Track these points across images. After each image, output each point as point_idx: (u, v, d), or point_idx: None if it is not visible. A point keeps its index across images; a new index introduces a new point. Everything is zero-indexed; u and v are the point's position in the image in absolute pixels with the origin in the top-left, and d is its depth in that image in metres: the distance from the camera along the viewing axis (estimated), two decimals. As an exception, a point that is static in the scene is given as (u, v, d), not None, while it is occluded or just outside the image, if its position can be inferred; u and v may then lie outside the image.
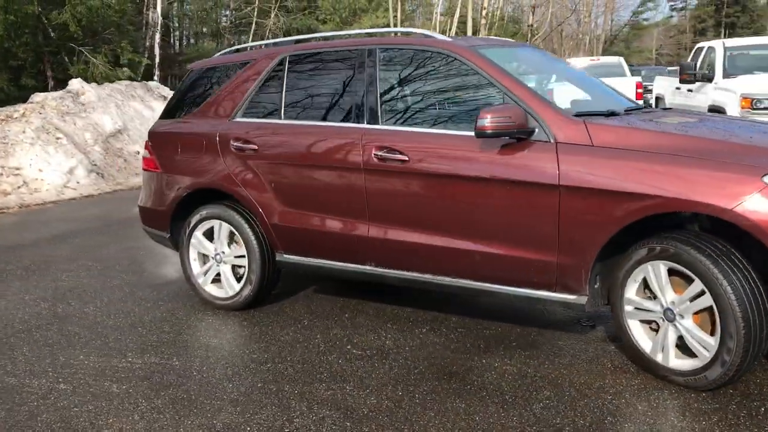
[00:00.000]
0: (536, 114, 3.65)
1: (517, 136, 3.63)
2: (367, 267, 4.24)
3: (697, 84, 9.96)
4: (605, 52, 49.40)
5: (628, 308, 3.56)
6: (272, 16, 22.52)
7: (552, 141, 3.58)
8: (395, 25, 27.29)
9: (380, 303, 4.84)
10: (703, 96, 9.72)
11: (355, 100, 4.25)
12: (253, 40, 23.57)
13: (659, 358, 3.47)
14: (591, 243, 3.49)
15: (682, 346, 3.43)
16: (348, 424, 3.18)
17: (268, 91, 4.64)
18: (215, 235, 4.78)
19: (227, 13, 26.22)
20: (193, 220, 4.84)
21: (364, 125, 4.16)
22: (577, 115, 3.68)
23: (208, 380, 3.69)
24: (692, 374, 3.34)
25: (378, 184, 4.07)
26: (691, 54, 11.14)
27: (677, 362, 3.42)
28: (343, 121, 4.29)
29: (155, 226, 5.14)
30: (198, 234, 4.85)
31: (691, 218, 3.52)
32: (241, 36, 23.82)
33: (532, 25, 31.05)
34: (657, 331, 3.52)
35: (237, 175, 4.59)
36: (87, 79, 12.89)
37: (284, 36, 23.01)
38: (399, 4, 27.64)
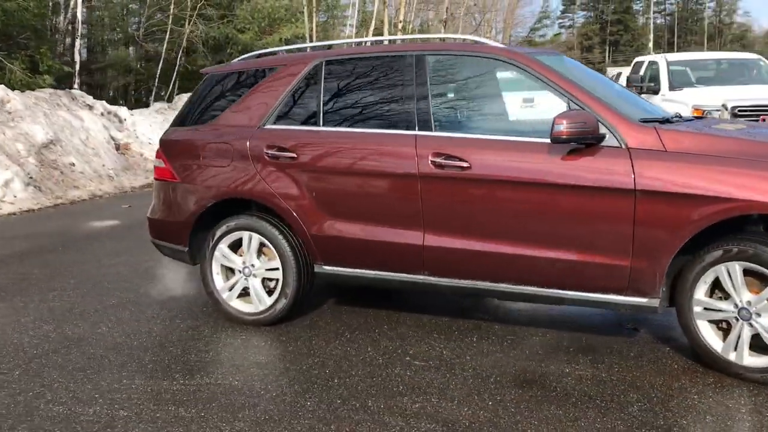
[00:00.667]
0: (605, 120, 3.70)
1: (588, 142, 3.66)
2: (420, 276, 4.16)
3: (644, 96, 10.43)
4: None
5: (697, 309, 3.65)
6: (190, 23, 21.87)
7: (624, 147, 3.64)
8: (311, 36, 27.16)
9: (412, 313, 4.76)
10: None
11: (403, 106, 4.17)
12: (168, 48, 22.85)
13: (732, 356, 3.58)
14: (667, 246, 3.56)
15: (753, 345, 3.55)
16: (458, 437, 3.10)
17: (302, 98, 4.49)
18: (244, 247, 4.57)
19: (136, 19, 25.29)
20: (218, 232, 4.60)
21: (417, 132, 4.09)
22: (642, 122, 3.75)
23: (281, 399, 3.51)
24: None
25: (435, 191, 4.00)
26: (631, 67, 11.67)
27: (751, 360, 3.54)
28: (390, 127, 4.20)
29: (170, 240, 4.85)
30: (222, 246, 4.62)
31: (757, 220, 3.65)
32: (156, 44, 22.98)
33: (444, 40, 31.60)
34: (725, 330, 3.63)
35: (272, 184, 4.40)
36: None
37: (203, 44, 22.42)
38: (314, 15, 27.59)
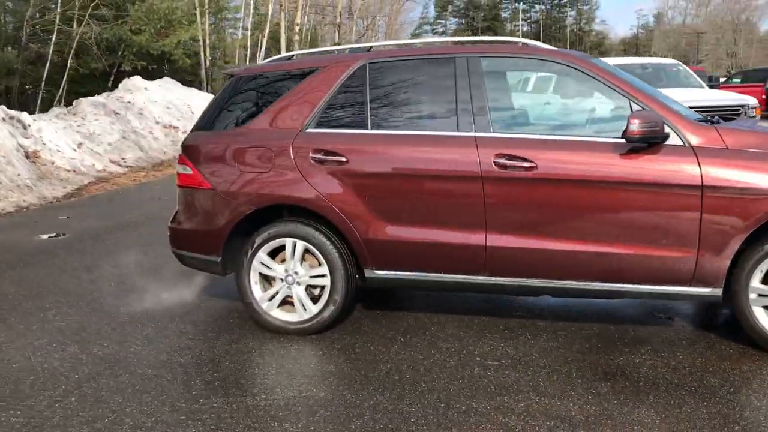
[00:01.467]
0: (668, 120, 3.88)
1: (655, 141, 3.83)
2: (480, 277, 4.19)
3: None
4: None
5: (752, 296, 3.90)
6: (82, 24, 20.70)
7: (687, 145, 3.83)
8: (203, 38, 26.47)
9: (446, 314, 4.77)
10: None
11: (458, 108, 4.18)
12: (56, 50, 21.55)
13: (788, 338, 3.85)
14: (732, 239, 3.78)
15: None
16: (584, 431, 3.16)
17: (346, 100, 4.40)
18: (287, 255, 4.42)
19: (13, 19, 23.66)
20: (258, 239, 4.43)
21: (476, 133, 4.12)
22: (699, 121, 3.97)
23: (383, 407, 3.43)
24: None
25: (499, 192, 4.05)
26: None
27: (808, 341, 3.82)
28: (444, 129, 4.20)
29: (200, 250, 4.61)
30: (262, 255, 4.45)
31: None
32: (40, 45, 21.59)
33: (339, 43, 31.75)
34: (776, 314, 3.90)
35: (320, 189, 4.29)
36: None
37: (96, 46, 21.26)
38: (206, 17, 26.89)
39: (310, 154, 4.33)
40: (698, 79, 11.87)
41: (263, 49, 29.10)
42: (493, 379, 3.73)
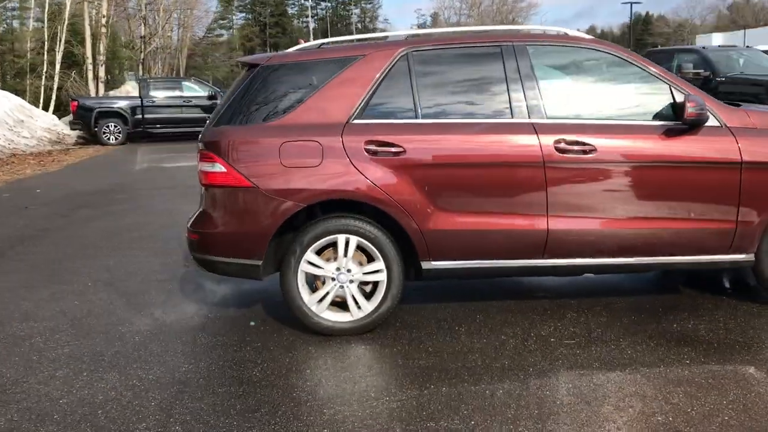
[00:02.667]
0: (705, 103, 4.24)
1: (701, 123, 4.17)
2: (539, 260, 4.29)
3: None
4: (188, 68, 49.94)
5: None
6: None
7: (724, 126, 4.22)
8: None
9: (480, 302, 4.82)
10: None
11: (510, 95, 4.24)
12: None
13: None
14: (764, 209, 4.22)
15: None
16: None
17: (392, 89, 4.26)
18: (340, 252, 4.20)
19: None
20: (306, 238, 4.17)
21: (532, 120, 4.20)
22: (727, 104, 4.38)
23: (509, 393, 3.41)
24: None
25: (561, 176, 4.17)
26: None
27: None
28: (497, 117, 4.24)
29: (238, 254, 4.24)
30: (310, 254, 4.20)
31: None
32: None
33: (144, 37, 30.10)
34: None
35: (377, 181, 4.13)
36: None
37: None
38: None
39: (364, 146, 4.15)
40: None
41: (62, 42, 26.61)
42: (586, 355, 3.85)
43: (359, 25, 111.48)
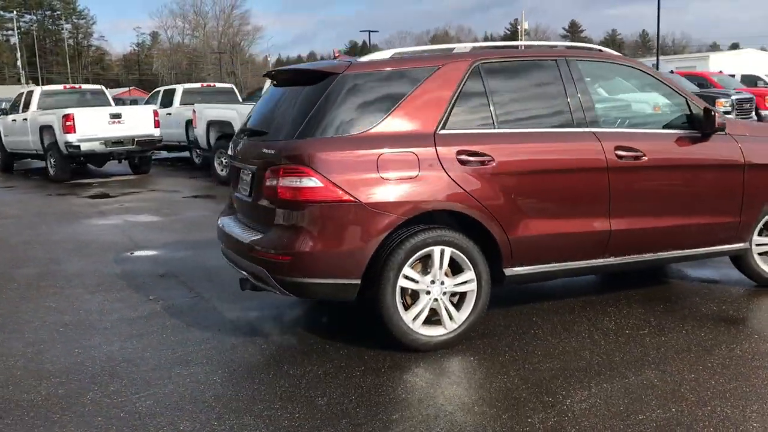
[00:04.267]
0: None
1: (722, 131, 4.82)
2: (602, 260, 4.61)
3: None
4: None
5: (754, 246, 5.19)
6: None
7: (726, 134, 4.92)
8: None
9: (521, 305, 5.01)
10: None
11: (570, 105, 4.52)
12: None
13: None
14: (760, 203, 5.00)
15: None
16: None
17: (470, 100, 4.31)
18: (435, 264, 4.13)
19: None
20: (405, 252, 4.04)
21: (592, 129, 4.52)
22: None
23: (649, 380, 3.67)
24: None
25: (619, 179, 4.53)
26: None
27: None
28: (562, 126, 4.50)
29: (337, 274, 3.96)
30: (408, 269, 4.08)
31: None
32: None
33: None
34: None
35: (471, 191, 4.15)
36: None
37: None
38: None
39: (456, 156, 4.15)
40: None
41: None
42: (669, 341, 4.24)
43: (71, 41, 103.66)
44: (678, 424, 3.20)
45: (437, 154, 4.11)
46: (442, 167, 4.11)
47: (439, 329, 4.19)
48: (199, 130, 13.49)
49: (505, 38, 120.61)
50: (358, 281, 4.00)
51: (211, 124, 13.19)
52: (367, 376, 3.85)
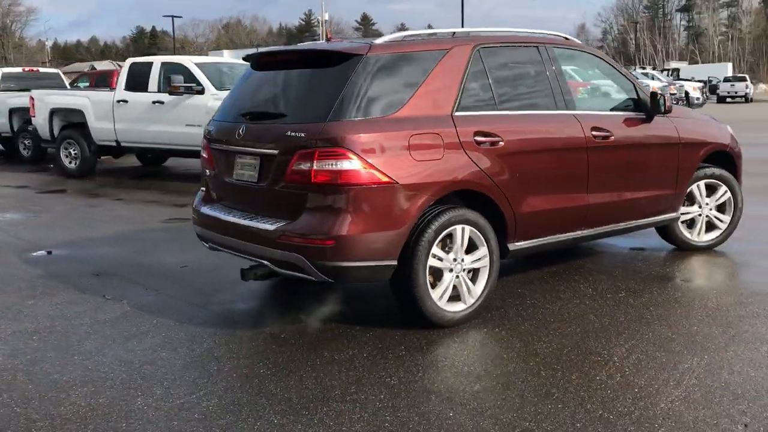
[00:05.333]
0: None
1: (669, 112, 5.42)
2: (581, 231, 5.02)
3: (184, 96, 10.55)
4: None
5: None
6: None
7: (665, 115, 5.53)
8: None
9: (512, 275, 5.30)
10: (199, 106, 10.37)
11: (551, 89, 4.85)
12: None
13: (693, 237, 6.00)
14: (690, 175, 5.69)
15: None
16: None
17: (474, 83, 4.48)
18: (457, 242, 4.27)
19: None
20: (431, 230, 4.14)
21: (570, 111, 4.90)
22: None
23: (677, 323, 4.13)
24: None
25: (594, 158, 4.96)
26: (160, 69, 11.07)
27: (705, 237, 6.05)
28: (548, 108, 4.83)
29: (376, 256, 3.96)
30: (435, 248, 4.18)
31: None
32: None
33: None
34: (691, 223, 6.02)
35: (486, 171, 4.34)
36: None
37: None
38: None
39: (473, 137, 4.31)
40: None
41: None
42: (650, 300, 4.76)
43: None
44: (717, 366, 3.64)
45: (458, 136, 4.24)
46: (462, 148, 4.25)
47: (460, 305, 4.34)
48: (39, 119, 12.26)
49: (300, 30, 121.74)
50: (395, 262, 4.04)
51: (54, 113, 12.06)
52: (415, 353, 3.91)
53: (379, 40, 4.34)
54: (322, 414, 3.22)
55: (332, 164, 3.88)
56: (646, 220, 5.51)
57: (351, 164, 3.88)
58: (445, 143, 4.19)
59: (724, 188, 5.95)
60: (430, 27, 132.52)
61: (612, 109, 5.36)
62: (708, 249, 6.02)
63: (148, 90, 11.22)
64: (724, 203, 6.00)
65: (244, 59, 5.05)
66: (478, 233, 4.35)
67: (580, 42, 5.51)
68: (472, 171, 4.29)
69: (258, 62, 4.76)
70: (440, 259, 4.21)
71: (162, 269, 5.79)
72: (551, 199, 4.77)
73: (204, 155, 4.84)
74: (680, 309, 4.58)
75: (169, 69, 11.11)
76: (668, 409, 3.20)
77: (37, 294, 5.16)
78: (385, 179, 3.95)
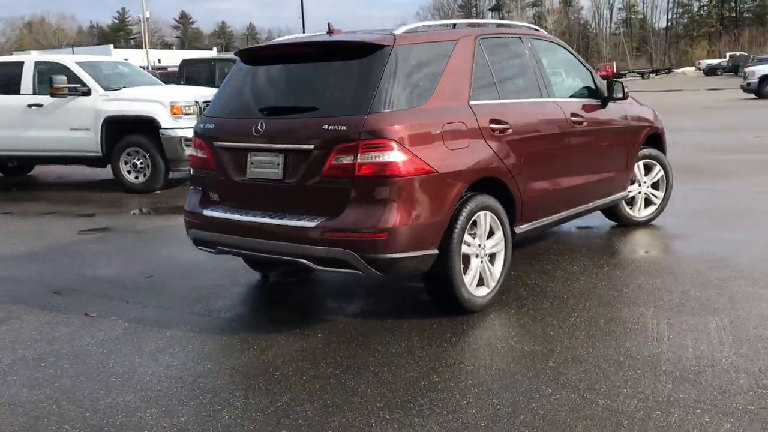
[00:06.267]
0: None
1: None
2: (563, 213, 5.29)
3: (68, 98, 9.64)
4: None
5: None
6: None
7: (615, 101, 5.97)
8: None
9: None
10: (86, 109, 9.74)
11: (535, 78, 5.09)
12: None
13: (634, 213, 6.52)
14: (635, 156, 6.18)
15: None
16: None
17: (479, 72, 4.58)
18: (481, 228, 4.38)
19: None
20: (464, 219, 4.22)
21: (552, 99, 5.16)
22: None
23: (654, 287, 4.51)
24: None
25: (573, 142, 5.27)
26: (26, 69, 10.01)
27: (644, 212, 6.59)
28: (536, 96, 5.05)
29: (421, 246, 3.97)
30: (466, 235, 4.27)
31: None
32: None
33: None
34: (631, 202, 6.54)
35: (503, 158, 4.48)
36: None
37: None
38: None
39: (489, 125, 4.43)
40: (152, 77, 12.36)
41: None
42: (635, 270, 5.15)
43: None
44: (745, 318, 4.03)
45: (478, 124, 4.34)
46: (482, 136, 4.36)
47: (484, 289, 4.44)
48: None
49: (114, 28, 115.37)
50: (437, 251, 4.07)
51: None
52: (464, 337, 3.98)
53: (399, 31, 4.33)
54: (427, 404, 3.20)
55: (378, 156, 3.84)
56: (606, 199, 5.89)
57: (396, 155, 3.85)
58: (470, 132, 4.28)
59: (658, 167, 6.50)
60: (251, 26, 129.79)
61: (575, 96, 5.69)
62: (646, 223, 6.55)
63: (21, 92, 10.26)
64: (658, 181, 6.56)
65: (236, 54, 4.81)
66: (496, 218, 4.48)
67: (547, 33, 5.80)
68: (492, 158, 4.41)
69: (257, 56, 4.57)
70: (468, 245, 4.29)
71: (127, 281, 5.38)
72: (546, 183, 4.99)
73: (199, 154, 4.57)
74: (670, 276, 4.98)
75: (46, 69, 10.25)
76: (726, 360, 3.51)
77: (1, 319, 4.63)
78: (428, 168, 3.96)
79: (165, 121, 9.58)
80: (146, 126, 9.63)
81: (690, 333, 3.92)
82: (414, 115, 4.03)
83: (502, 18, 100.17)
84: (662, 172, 6.51)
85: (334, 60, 4.24)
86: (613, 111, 5.83)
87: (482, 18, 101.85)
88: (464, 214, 4.19)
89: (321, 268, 4.06)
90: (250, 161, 4.28)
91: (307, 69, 4.35)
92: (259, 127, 4.18)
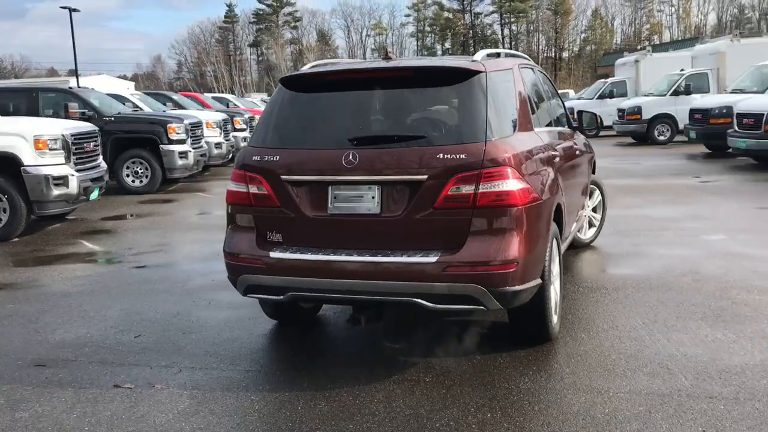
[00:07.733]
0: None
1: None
2: (571, 234, 5.45)
3: None
4: None
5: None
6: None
7: (575, 131, 6.29)
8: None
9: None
10: None
11: (548, 105, 5.23)
12: None
13: (586, 237, 6.93)
14: (590, 174, 6.54)
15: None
16: None
17: (525, 100, 4.58)
18: (554, 255, 4.36)
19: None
20: (554, 245, 4.22)
21: (559, 128, 5.34)
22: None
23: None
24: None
25: (576, 170, 5.47)
26: None
27: (589, 234, 7.01)
28: (550, 124, 5.17)
29: (536, 275, 3.86)
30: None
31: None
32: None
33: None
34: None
35: (560, 185, 4.53)
36: None
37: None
38: None
39: (552, 152, 4.48)
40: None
41: None
42: (621, 289, 5.44)
43: None
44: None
45: (547, 151, 4.35)
46: (550, 163, 4.37)
47: (555, 316, 4.41)
48: None
49: None
50: (541, 281, 3.97)
51: None
52: (518, 363, 3.93)
53: (479, 57, 4.18)
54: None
55: (498, 185, 3.64)
56: (581, 212, 6.14)
57: (514, 184, 3.69)
58: (546, 159, 4.28)
59: (597, 192, 6.95)
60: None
61: (560, 124, 5.90)
62: (588, 245, 6.95)
63: None
64: (597, 204, 7.00)
65: (281, 80, 4.21)
66: (558, 244, 4.49)
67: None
68: (558, 185, 4.43)
69: (321, 82, 4.17)
70: (552, 273, 4.26)
71: (121, 344, 4.57)
72: (571, 207, 5.11)
73: (256, 191, 4.00)
74: (671, 293, 5.32)
75: None
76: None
77: (6, 403, 3.68)
78: (536, 196, 3.87)
79: (28, 157, 8.27)
80: (5, 163, 8.24)
81: (711, 342, 4.23)
82: (517, 143, 3.92)
83: (261, 54, 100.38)
84: (600, 197, 6.98)
85: (424, 86, 3.99)
86: (579, 139, 6.14)
87: (241, 54, 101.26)
88: (554, 242, 4.16)
89: (438, 306, 3.73)
90: (332, 195, 3.85)
91: (398, 95, 4.04)
92: (351, 158, 3.78)
